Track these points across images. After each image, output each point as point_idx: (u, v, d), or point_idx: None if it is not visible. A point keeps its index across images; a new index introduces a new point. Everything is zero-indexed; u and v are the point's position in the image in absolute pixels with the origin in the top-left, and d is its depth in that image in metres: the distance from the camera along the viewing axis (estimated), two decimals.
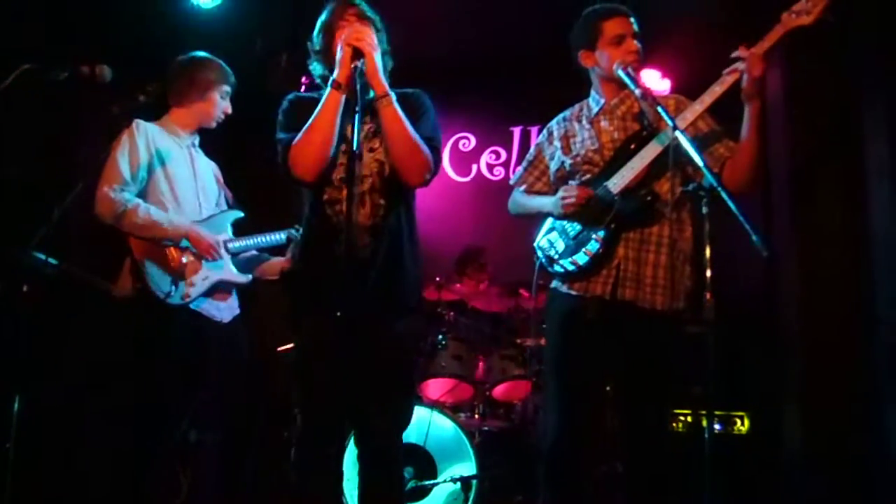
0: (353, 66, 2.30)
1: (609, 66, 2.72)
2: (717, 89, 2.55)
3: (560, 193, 2.75)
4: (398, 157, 2.38)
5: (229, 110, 3.32)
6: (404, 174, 2.40)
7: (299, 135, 2.37)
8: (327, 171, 2.41)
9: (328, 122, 2.34)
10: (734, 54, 2.51)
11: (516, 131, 5.95)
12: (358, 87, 2.28)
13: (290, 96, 2.56)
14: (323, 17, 2.53)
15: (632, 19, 2.75)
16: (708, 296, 2.32)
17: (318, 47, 2.52)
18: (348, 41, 2.33)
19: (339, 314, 2.15)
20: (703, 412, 2.47)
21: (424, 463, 3.86)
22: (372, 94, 2.36)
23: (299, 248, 2.56)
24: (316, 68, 2.55)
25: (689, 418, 3.98)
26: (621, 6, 2.79)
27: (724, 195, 2.22)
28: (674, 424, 3.98)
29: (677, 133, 2.39)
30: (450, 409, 4.13)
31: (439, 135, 2.53)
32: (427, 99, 2.57)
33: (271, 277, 3.36)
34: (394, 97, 2.35)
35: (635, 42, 2.72)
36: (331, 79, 2.36)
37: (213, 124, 3.31)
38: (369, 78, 2.31)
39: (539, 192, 2.98)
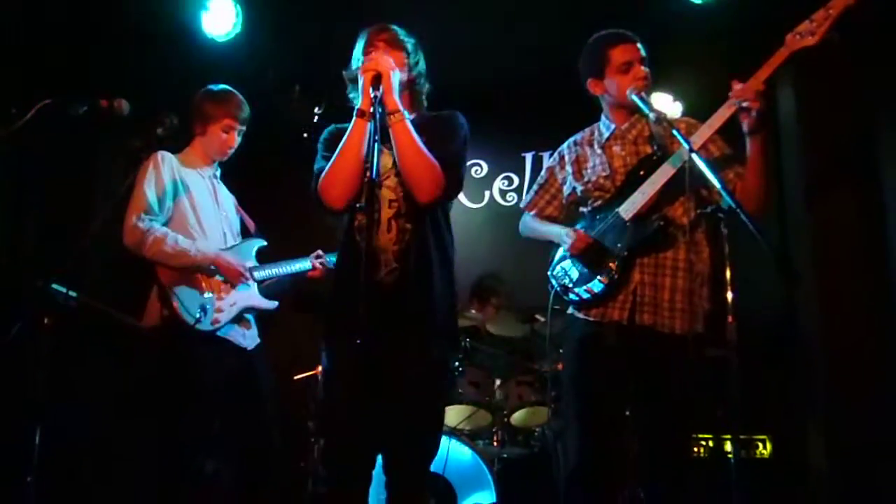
0: (373, 95, 2.30)
1: (618, 93, 2.72)
2: (724, 112, 2.53)
3: (564, 235, 2.76)
4: (406, 173, 2.36)
5: (233, 144, 3.31)
6: (413, 190, 2.37)
7: (327, 165, 2.39)
8: (357, 198, 2.41)
9: (353, 151, 2.35)
10: (730, 94, 2.49)
11: (528, 157, 5.96)
12: (377, 114, 2.28)
13: (331, 127, 2.56)
14: (357, 45, 2.55)
15: (639, 45, 2.74)
16: (730, 318, 2.30)
17: (353, 76, 2.50)
18: (364, 68, 2.34)
19: (358, 342, 2.13)
20: (726, 436, 2.44)
21: (444, 492, 3.82)
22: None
23: (335, 273, 2.56)
24: (354, 97, 2.51)
25: (710, 443, 3.94)
26: (627, 32, 2.77)
27: (743, 216, 2.20)
28: (695, 449, 3.94)
29: (693, 155, 2.38)
30: (468, 437, 4.10)
31: (461, 154, 2.49)
32: (457, 118, 2.53)
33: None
34: (405, 114, 2.35)
35: (643, 68, 2.71)
36: (355, 107, 2.37)
37: (221, 158, 3.34)
38: (383, 96, 2.31)
39: (550, 217, 2.98)
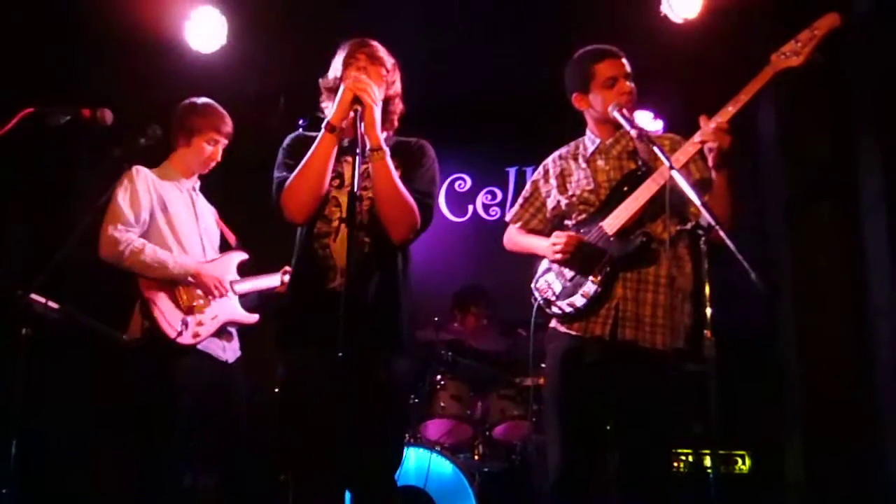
0: (353, 109, 2.30)
1: (603, 108, 2.73)
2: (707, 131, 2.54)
3: (552, 239, 2.76)
4: (385, 213, 2.37)
5: (217, 157, 3.32)
6: (389, 230, 2.39)
7: (292, 176, 2.38)
8: (318, 209, 2.42)
9: (320, 165, 2.36)
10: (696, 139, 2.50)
11: (511, 172, 5.98)
12: (359, 131, 2.27)
13: (293, 134, 2.56)
14: (337, 56, 2.54)
15: (623, 60, 2.76)
16: (708, 333, 2.31)
17: (330, 85, 2.52)
18: (350, 88, 2.33)
19: (340, 355, 2.13)
20: (705, 451, 2.44)
21: None
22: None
23: (290, 282, 2.56)
24: (328, 106, 2.53)
25: (690, 458, 3.95)
26: (612, 47, 2.80)
27: (722, 233, 2.23)
28: (675, 464, 3.95)
29: (673, 172, 2.40)
30: (449, 451, 4.09)
31: (435, 191, 2.54)
32: (429, 150, 2.56)
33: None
34: (387, 152, 2.34)
35: (628, 83, 2.73)
36: (325, 121, 2.37)
37: (202, 171, 3.33)
38: (366, 129, 2.30)
39: (534, 230, 2.98)
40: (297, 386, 2.40)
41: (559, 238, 2.72)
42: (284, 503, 4.15)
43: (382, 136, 2.46)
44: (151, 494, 2.96)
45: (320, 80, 2.57)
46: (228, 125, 3.31)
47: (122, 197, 3.05)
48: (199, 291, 3.13)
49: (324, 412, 2.25)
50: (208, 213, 3.40)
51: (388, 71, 2.51)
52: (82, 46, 4.40)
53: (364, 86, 2.33)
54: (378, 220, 2.40)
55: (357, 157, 2.17)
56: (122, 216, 3.03)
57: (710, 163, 2.53)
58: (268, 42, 4.76)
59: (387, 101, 2.52)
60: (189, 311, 3.07)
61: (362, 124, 2.28)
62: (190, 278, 3.09)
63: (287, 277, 3.34)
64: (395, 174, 2.36)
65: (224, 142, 3.31)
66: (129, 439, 3.21)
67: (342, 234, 2.38)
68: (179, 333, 3.00)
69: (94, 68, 4.40)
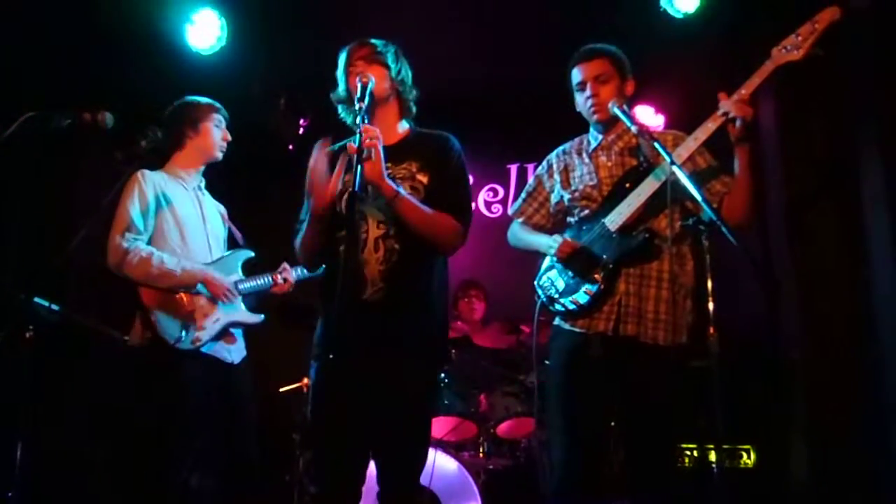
0: (359, 84, 2.33)
1: (584, 110, 2.80)
2: (710, 125, 2.55)
3: (551, 241, 2.78)
4: (426, 240, 2.41)
5: (228, 137, 3.34)
6: (438, 250, 2.47)
7: (299, 236, 2.47)
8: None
9: (316, 237, 2.43)
10: (719, 112, 2.52)
11: (513, 168, 5.98)
12: (364, 119, 2.27)
13: (315, 153, 2.48)
14: (339, 63, 2.55)
15: (596, 61, 2.76)
16: (711, 329, 2.31)
17: (340, 96, 2.54)
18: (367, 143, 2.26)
19: (331, 356, 2.15)
20: (710, 446, 2.44)
21: (430, 503, 3.81)
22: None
23: (321, 294, 2.56)
24: (346, 117, 2.56)
25: (695, 453, 3.95)
26: (590, 48, 2.81)
27: (723, 229, 2.23)
28: (680, 459, 3.95)
29: (675, 168, 2.40)
30: (454, 448, 4.10)
31: (466, 189, 2.57)
32: (453, 145, 2.57)
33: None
34: (402, 192, 2.34)
35: (589, 90, 2.75)
36: (310, 211, 2.40)
37: (218, 155, 3.33)
38: (378, 184, 2.30)
39: (537, 225, 2.99)
40: (326, 394, 2.40)
41: (556, 242, 2.74)
42: (290, 502, 4.16)
43: (404, 126, 2.49)
44: (156, 496, 2.96)
45: (331, 95, 2.58)
46: (223, 110, 3.35)
47: (130, 202, 3.05)
48: (203, 292, 3.12)
49: (353, 419, 2.29)
50: (215, 211, 3.40)
51: (388, 66, 2.50)
52: (83, 49, 4.39)
53: (373, 134, 2.29)
54: (405, 225, 2.39)
55: (357, 157, 2.17)
56: (128, 224, 3.03)
57: (733, 137, 2.53)
58: (267, 42, 4.75)
59: (398, 92, 2.53)
60: (190, 316, 3.07)
61: (359, 129, 2.26)
62: (199, 286, 3.09)
63: (282, 277, 3.34)
64: (421, 207, 2.37)
65: (224, 123, 3.34)
66: (133, 441, 3.21)
67: (370, 244, 2.40)
68: (178, 340, 3.00)
69: (94, 71, 4.40)
